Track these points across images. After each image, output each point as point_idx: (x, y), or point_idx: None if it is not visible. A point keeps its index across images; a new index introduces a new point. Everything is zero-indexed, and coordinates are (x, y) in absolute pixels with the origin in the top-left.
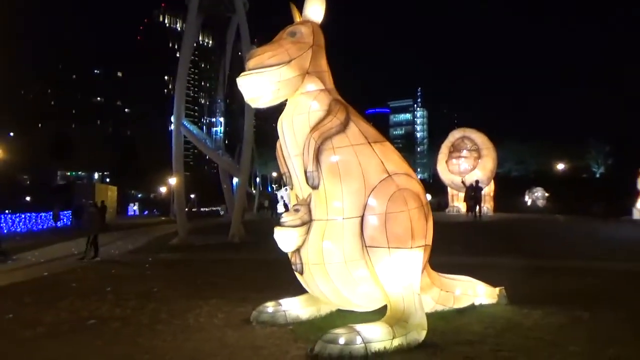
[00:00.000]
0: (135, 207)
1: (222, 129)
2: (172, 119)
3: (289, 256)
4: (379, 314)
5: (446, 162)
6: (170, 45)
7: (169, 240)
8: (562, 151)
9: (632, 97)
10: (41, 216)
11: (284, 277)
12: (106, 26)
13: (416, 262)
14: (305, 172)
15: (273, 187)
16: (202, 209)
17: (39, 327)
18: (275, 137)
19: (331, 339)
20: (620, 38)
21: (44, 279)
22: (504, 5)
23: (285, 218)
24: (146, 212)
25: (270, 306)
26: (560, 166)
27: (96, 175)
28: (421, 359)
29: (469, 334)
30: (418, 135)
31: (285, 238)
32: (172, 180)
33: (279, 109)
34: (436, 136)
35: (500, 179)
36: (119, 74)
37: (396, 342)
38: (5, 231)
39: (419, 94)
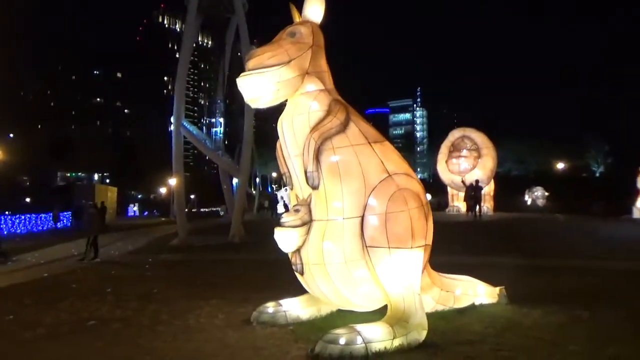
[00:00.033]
0: (135, 208)
1: (222, 129)
2: (172, 119)
3: (289, 256)
4: (380, 314)
5: (446, 161)
6: (170, 45)
7: (169, 241)
8: (561, 150)
9: (632, 97)
10: (41, 217)
11: (284, 278)
12: (106, 27)
13: (416, 262)
14: (306, 173)
15: (273, 188)
16: (202, 210)
17: (39, 328)
18: (275, 137)
19: (332, 339)
20: (620, 38)
21: (44, 280)
22: (504, 5)
23: (285, 218)
24: (146, 213)
25: (270, 306)
26: (560, 165)
27: (96, 176)
28: (422, 359)
29: (469, 333)
30: (418, 135)
31: (285, 238)
32: (172, 181)
33: (278, 109)
34: (436, 136)
35: (500, 178)
36: (119, 74)
37: (397, 342)
38: (5, 232)
39: (418, 93)
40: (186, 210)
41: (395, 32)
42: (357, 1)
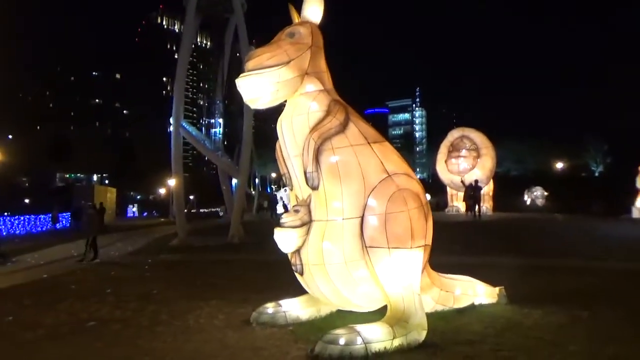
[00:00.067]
0: (135, 209)
1: (221, 130)
2: (171, 120)
3: (289, 257)
4: (379, 314)
5: (445, 161)
6: (169, 46)
7: (168, 241)
8: (561, 150)
9: (632, 97)
10: (40, 218)
11: (284, 278)
12: (104, 27)
13: (416, 262)
14: (305, 173)
15: (272, 188)
16: (202, 210)
17: (39, 329)
18: (274, 138)
19: (331, 339)
20: (621, 38)
21: (43, 281)
22: (504, 5)
23: (285, 219)
24: (145, 214)
25: (270, 307)
26: (559, 165)
27: (95, 177)
28: (421, 359)
29: (469, 333)
30: (417, 135)
31: (285, 239)
32: (171, 182)
33: (278, 109)
34: (435, 136)
35: (499, 178)
36: (118, 75)
37: (396, 342)
38: (5, 233)
39: (417, 93)
40: (185, 210)
41: (394, 32)
42: (356, 1)
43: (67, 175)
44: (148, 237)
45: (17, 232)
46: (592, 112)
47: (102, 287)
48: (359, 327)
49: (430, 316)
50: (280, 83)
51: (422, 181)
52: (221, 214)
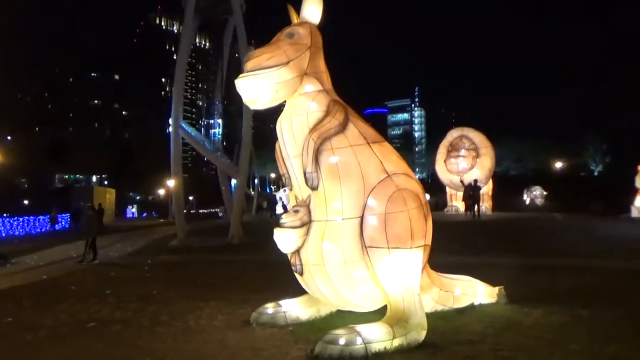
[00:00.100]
0: (134, 210)
1: (220, 130)
2: (170, 121)
3: (289, 257)
4: (379, 314)
5: (444, 161)
6: (167, 47)
7: (168, 242)
8: (560, 149)
9: (632, 97)
10: (39, 219)
11: (283, 278)
12: (103, 28)
13: (416, 262)
14: (305, 173)
15: (272, 189)
16: (201, 211)
17: (39, 330)
18: (273, 138)
19: (331, 339)
20: (621, 38)
21: (43, 282)
22: (504, 5)
23: (284, 219)
24: (145, 215)
25: (270, 307)
26: (559, 164)
27: (94, 178)
28: (421, 359)
29: (469, 333)
30: (416, 135)
31: (284, 239)
32: (171, 182)
33: (277, 110)
34: (434, 136)
35: (498, 177)
36: (116, 76)
37: (396, 342)
38: (4, 235)
39: (416, 93)
40: (185, 211)
41: (393, 33)
42: (355, 2)
43: (66, 176)
44: (147, 238)
45: (17, 233)
46: (592, 112)
47: (102, 288)
48: (359, 327)
49: (430, 316)
50: (279, 83)
51: (422, 181)
52: (220, 214)
